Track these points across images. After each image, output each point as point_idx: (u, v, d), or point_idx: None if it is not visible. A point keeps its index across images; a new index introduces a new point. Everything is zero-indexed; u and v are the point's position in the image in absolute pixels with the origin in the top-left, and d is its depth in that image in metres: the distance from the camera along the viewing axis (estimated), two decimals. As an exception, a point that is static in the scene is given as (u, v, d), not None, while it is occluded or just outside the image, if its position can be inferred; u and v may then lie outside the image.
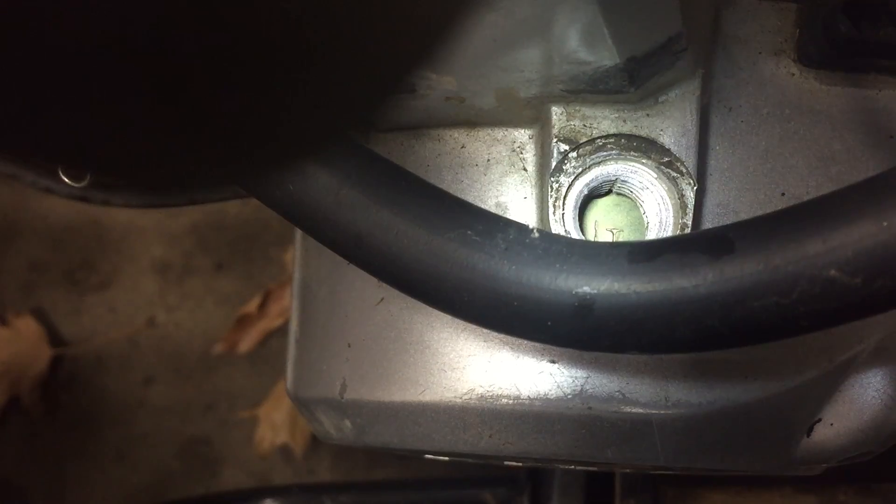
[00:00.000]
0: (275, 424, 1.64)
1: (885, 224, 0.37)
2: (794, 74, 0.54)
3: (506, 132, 0.54)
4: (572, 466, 0.72)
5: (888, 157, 0.54)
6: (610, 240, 0.53)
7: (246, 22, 0.21)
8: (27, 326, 1.72)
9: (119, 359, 1.73)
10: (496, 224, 0.44)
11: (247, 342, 1.71)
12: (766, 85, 0.54)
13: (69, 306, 1.76)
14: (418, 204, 0.45)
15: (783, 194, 0.53)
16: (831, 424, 0.54)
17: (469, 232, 0.43)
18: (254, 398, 1.69)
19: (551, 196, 0.50)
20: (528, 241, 0.43)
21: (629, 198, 0.53)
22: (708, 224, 0.53)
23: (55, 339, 1.73)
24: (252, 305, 1.71)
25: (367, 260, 0.46)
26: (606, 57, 0.45)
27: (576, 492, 0.88)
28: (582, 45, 0.44)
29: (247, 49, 0.21)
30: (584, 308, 0.41)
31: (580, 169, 0.50)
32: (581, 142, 0.50)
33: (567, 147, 0.50)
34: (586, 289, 0.41)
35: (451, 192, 0.53)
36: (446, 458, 0.65)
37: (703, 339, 0.41)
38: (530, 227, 0.43)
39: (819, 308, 0.39)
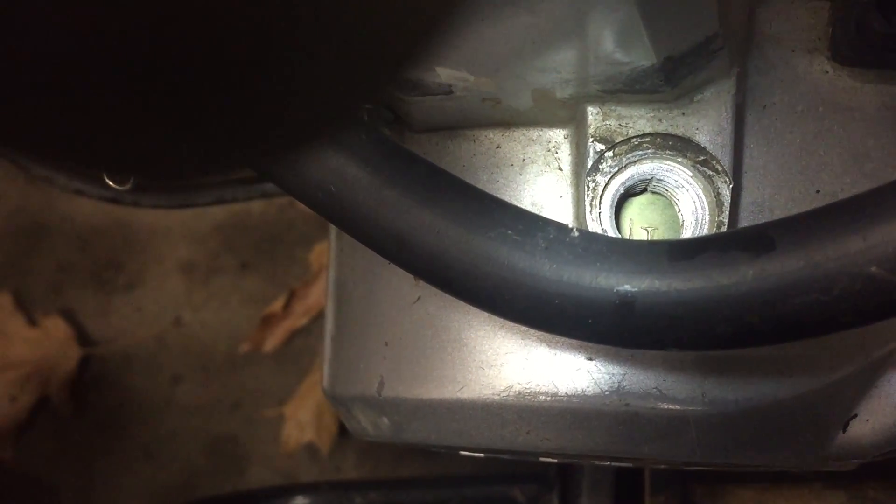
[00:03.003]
0: (300, 422, 1.66)
1: (925, 220, 0.38)
2: (827, 72, 0.54)
3: (541, 132, 0.55)
4: (608, 462, 0.72)
5: (923, 153, 0.54)
6: (645, 238, 0.54)
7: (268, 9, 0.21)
8: (56, 327, 1.74)
9: (146, 358, 1.75)
10: (536, 223, 0.44)
11: (272, 341, 1.72)
12: (799, 83, 0.54)
13: (97, 306, 1.78)
14: (458, 204, 0.45)
15: (818, 192, 0.53)
16: (867, 420, 0.55)
17: (509, 231, 0.44)
18: (279, 396, 1.70)
19: (588, 195, 0.50)
20: (567, 239, 0.43)
21: (664, 196, 0.53)
22: (744, 222, 0.53)
23: (83, 339, 1.75)
24: (277, 305, 1.73)
25: (408, 260, 0.46)
26: (643, 57, 0.46)
27: (606, 488, 0.89)
28: (619, 45, 0.45)
29: (276, 41, 0.22)
30: (625, 306, 0.41)
31: (616, 168, 0.51)
32: (617, 141, 0.51)
33: (603, 147, 0.51)
34: (627, 287, 0.41)
35: (487, 191, 0.54)
36: (481, 455, 0.66)
37: (744, 336, 0.41)
38: (569, 226, 0.44)
39: (859, 305, 0.39)
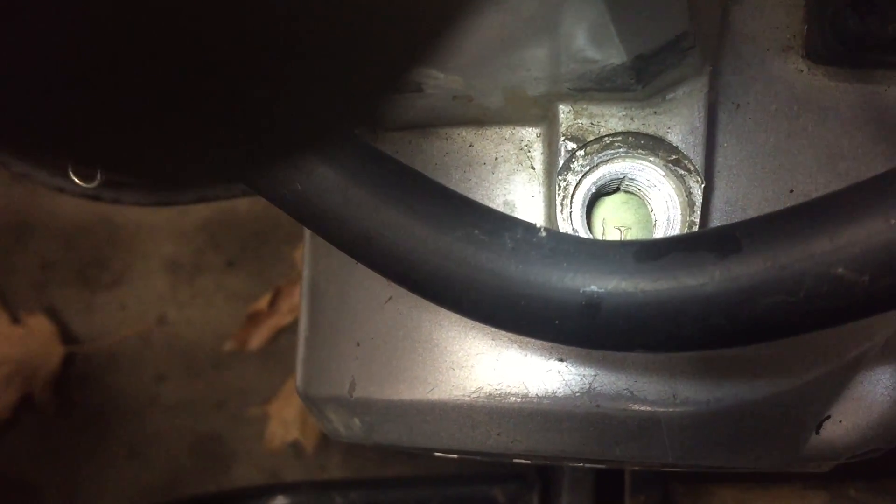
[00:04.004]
0: (285, 421, 1.65)
1: (892, 222, 0.37)
2: (802, 71, 0.54)
3: (513, 130, 0.54)
4: (581, 464, 0.72)
5: (897, 152, 0.54)
6: (618, 238, 0.53)
7: (250, 17, 0.21)
8: (39, 325, 1.73)
9: (131, 357, 1.74)
10: (503, 223, 0.44)
11: (257, 339, 1.72)
12: (774, 82, 0.54)
13: (81, 304, 1.77)
14: (426, 203, 0.45)
15: (791, 191, 0.53)
16: (840, 421, 0.54)
17: (476, 231, 0.43)
18: (264, 395, 1.69)
19: (559, 194, 0.50)
20: (535, 239, 0.43)
21: (637, 196, 0.53)
22: (716, 222, 0.53)
23: (67, 337, 1.74)
24: (262, 302, 1.72)
25: (374, 259, 0.46)
26: (614, 55, 0.45)
27: (586, 488, 0.89)
28: (589, 43, 0.44)
29: (251, 44, 0.21)
30: (592, 307, 0.41)
31: (588, 167, 0.50)
32: (588, 140, 0.50)
33: (574, 145, 0.50)
34: (593, 287, 0.41)
35: (458, 190, 0.53)
36: (455, 456, 0.65)
37: (711, 338, 0.41)
38: (537, 225, 0.44)
39: (827, 306, 0.39)
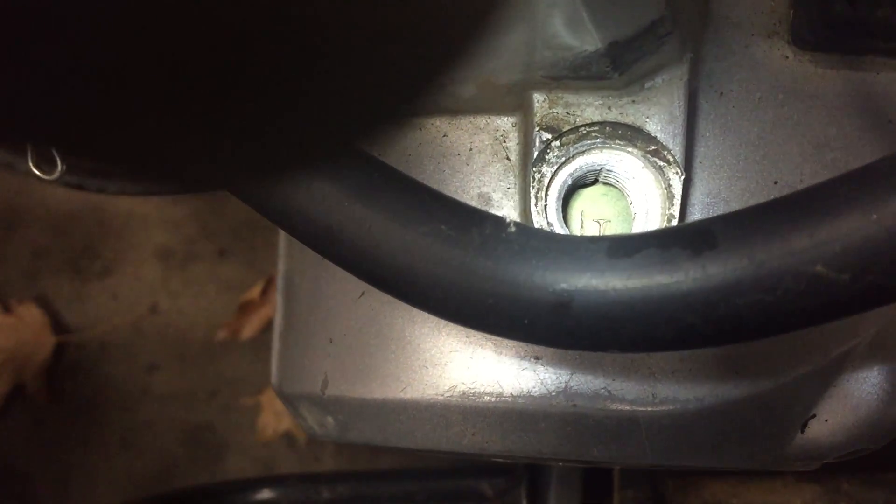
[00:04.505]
0: (278, 411, 1.64)
1: (874, 217, 0.36)
2: (787, 57, 0.52)
3: (488, 120, 0.52)
4: (559, 463, 0.70)
5: (886, 142, 0.52)
6: (597, 230, 0.51)
7: (254, 27, 0.20)
8: (30, 314, 1.71)
9: (122, 346, 1.73)
10: (471, 218, 0.42)
11: (249, 329, 1.70)
12: (758, 68, 0.52)
13: (72, 293, 1.75)
14: (391, 196, 0.43)
15: (776, 182, 0.51)
16: (826, 420, 0.53)
17: (443, 226, 0.42)
18: (257, 384, 1.68)
19: (533, 187, 0.48)
20: (503, 235, 0.41)
21: (616, 187, 0.51)
22: (696, 214, 0.51)
23: (58, 326, 1.73)
24: (254, 292, 1.70)
25: (340, 255, 0.44)
26: (588, 42, 0.43)
27: (574, 483, 0.87)
28: (562, 30, 0.43)
29: (248, 54, 0.21)
30: (562, 306, 0.39)
31: (563, 158, 0.48)
32: (564, 130, 0.48)
33: (549, 136, 0.48)
34: (563, 286, 0.39)
35: (432, 182, 0.51)
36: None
37: (686, 338, 0.39)
38: (507, 220, 0.42)
39: (805, 306, 0.37)
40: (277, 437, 1.65)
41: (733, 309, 0.37)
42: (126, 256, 1.77)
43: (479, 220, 0.42)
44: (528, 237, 0.41)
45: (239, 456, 1.67)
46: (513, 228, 0.41)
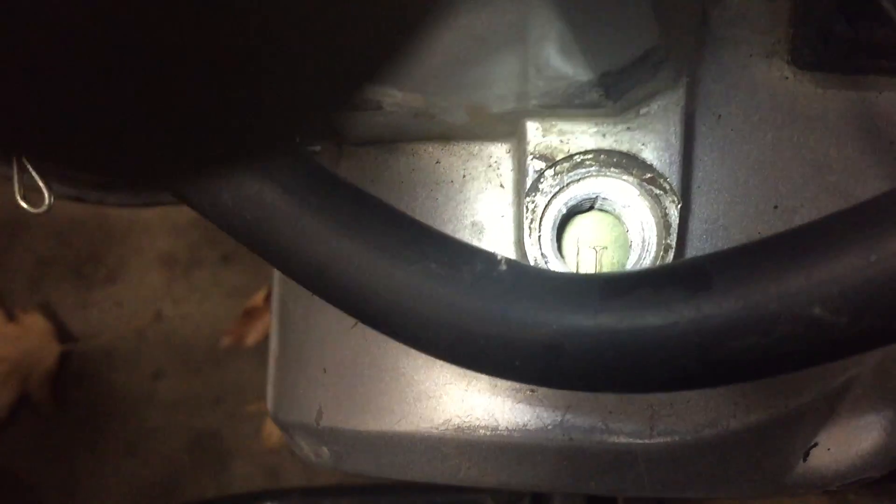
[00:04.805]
0: (283, 418, 1.63)
1: (872, 258, 0.34)
2: (787, 78, 0.51)
3: (482, 147, 0.51)
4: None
5: (889, 165, 0.51)
6: (593, 258, 0.50)
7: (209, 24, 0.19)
8: (35, 323, 1.71)
9: (127, 353, 1.73)
10: (462, 255, 0.41)
11: (254, 335, 1.70)
12: (757, 89, 0.51)
13: (76, 301, 1.75)
14: (381, 232, 0.42)
15: (776, 207, 0.50)
16: (828, 449, 0.52)
17: (433, 264, 0.41)
18: (262, 391, 1.67)
19: (527, 217, 0.47)
20: (494, 274, 0.40)
21: (612, 214, 0.50)
22: (695, 242, 0.50)
23: (63, 334, 1.73)
24: (258, 298, 1.70)
25: (329, 293, 0.43)
26: (580, 72, 0.42)
27: (578, 501, 0.86)
28: (554, 60, 0.42)
29: (205, 50, 0.20)
30: (554, 348, 0.38)
31: (557, 187, 0.47)
32: (558, 159, 0.47)
33: (543, 165, 0.47)
34: (556, 328, 0.38)
35: (425, 209, 0.50)
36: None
37: (681, 380, 0.38)
38: (498, 257, 0.41)
39: (802, 348, 0.36)
40: (283, 445, 1.65)
41: (729, 352, 0.36)
42: (130, 263, 1.77)
43: (469, 258, 0.41)
44: (519, 276, 0.40)
45: (244, 463, 1.67)
46: (504, 266, 0.40)
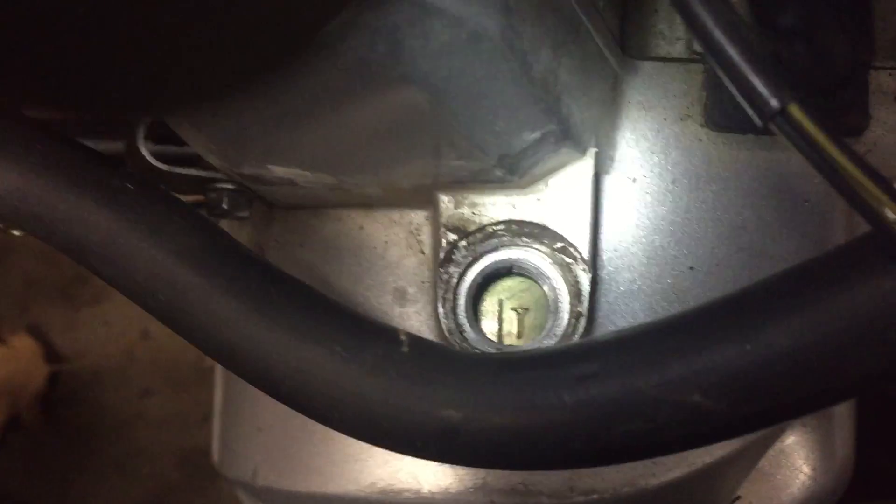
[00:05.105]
0: (269, 435, 1.65)
1: (748, 347, 0.36)
2: (701, 140, 0.52)
3: (402, 213, 0.52)
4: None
5: (803, 223, 0.51)
6: (514, 320, 0.51)
7: None
8: (24, 344, 1.73)
9: (115, 372, 1.74)
10: (366, 336, 0.42)
11: (239, 352, 1.71)
12: (671, 152, 0.52)
13: (64, 322, 1.77)
14: (289, 313, 0.43)
15: (691, 268, 0.51)
16: (751, 502, 0.53)
17: (338, 347, 0.42)
18: (249, 408, 1.69)
19: (440, 288, 0.48)
20: (395, 356, 0.41)
21: (531, 278, 0.51)
22: (611, 304, 0.51)
23: (52, 355, 1.74)
24: (243, 315, 1.71)
25: (241, 373, 0.44)
26: (477, 160, 0.43)
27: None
28: (448, 153, 0.43)
29: None
30: (450, 431, 0.39)
31: (470, 258, 0.49)
32: (471, 230, 0.48)
33: (455, 237, 0.48)
34: (451, 412, 0.39)
35: (350, 275, 0.52)
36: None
37: (572, 461, 0.39)
38: (401, 337, 0.42)
39: (686, 432, 0.37)
40: (269, 461, 1.66)
41: (616, 435, 0.37)
42: (116, 283, 1.78)
43: (373, 339, 0.42)
44: (419, 357, 0.41)
45: (233, 479, 1.68)
46: (405, 348, 0.41)
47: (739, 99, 0.35)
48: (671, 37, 0.52)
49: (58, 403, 1.73)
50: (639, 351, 0.38)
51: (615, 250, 0.51)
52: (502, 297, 0.52)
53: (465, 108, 0.38)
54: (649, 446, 0.38)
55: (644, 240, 0.51)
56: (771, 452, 0.52)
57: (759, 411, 0.36)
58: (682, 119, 0.52)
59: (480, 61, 0.36)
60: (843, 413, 0.54)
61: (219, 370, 0.65)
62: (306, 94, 0.39)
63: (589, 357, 0.39)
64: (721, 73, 0.35)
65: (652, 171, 0.51)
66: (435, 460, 0.42)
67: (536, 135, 0.43)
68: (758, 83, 0.34)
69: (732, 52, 0.34)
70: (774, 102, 0.34)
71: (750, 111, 0.35)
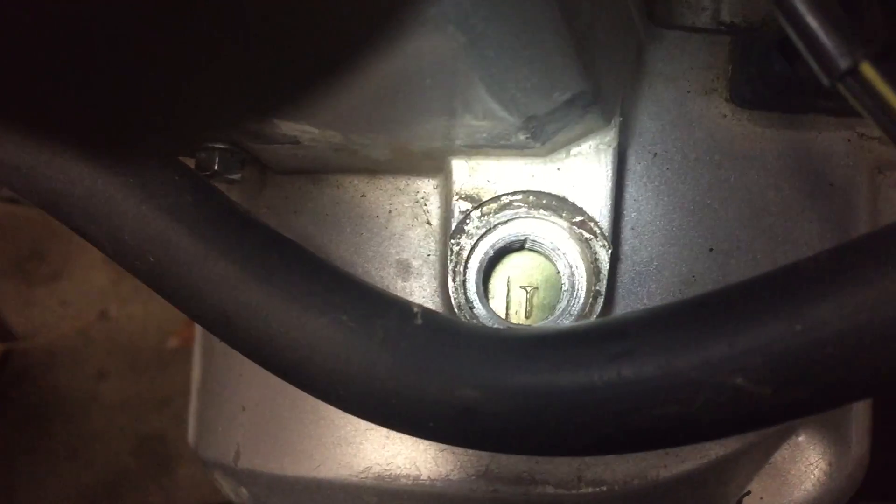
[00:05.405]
0: (230, 421, 1.61)
1: (797, 327, 0.33)
2: (725, 116, 0.49)
3: (409, 181, 0.49)
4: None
5: (826, 207, 0.49)
6: (523, 299, 0.48)
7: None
8: (-25, 321, 1.66)
9: (71, 353, 1.68)
10: (377, 306, 0.39)
11: (202, 336, 1.66)
12: (694, 127, 0.49)
13: (19, 299, 1.70)
14: (292, 280, 0.40)
15: (711, 250, 0.48)
16: (761, 498, 0.50)
17: (345, 317, 0.38)
18: (209, 394, 1.65)
19: (451, 261, 0.45)
20: (409, 329, 0.38)
21: (543, 254, 0.48)
22: (627, 284, 0.48)
23: (4, 333, 1.68)
24: (207, 298, 1.66)
25: (236, 342, 0.41)
26: (506, 115, 0.40)
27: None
28: (480, 103, 0.39)
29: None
30: (468, 412, 0.36)
31: (484, 229, 0.45)
32: (485, 199, 0.45)
33: (469, 206, 0.45)
34: (469, 391, 0.36)
35: (349, 246, 0.48)
36: None
37: (600, 446, 0.36)
38: (414, 309, 0.39)
39: (724, 418, 0.34)
40: (230, 448, 1.62)
41: (648, 419, 0.35)
42: (75, 260, 1.72)
43: (383, 310, 0.39)
44: (434, 331, 0.38)
45: (190, 467, 1.64)
46: (419, 321, 0.38)
47: (806, 55, 0.33)
48: (697, 6, 0.50)
49: (9, 384, 1.67)
50: (677, 329, 0.35)
51: (633, 227, 0.48)
52: (510, 275, 0.49)
53: (499, 58, 0.35)
54: (683, 432, 0.35)
55: (663, 218, 0.48)
56: (785, 447, 0.50)
57: (804, 397, 0.34)
58: (706, 93, 0.49)
59: (523, 4, 0.33)
60: (859, 410, 0.52)
61: (198, 344, 0.61)
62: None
63: (622, 334, 0.36)
64: (787, 27, 0.32)
65: (674, 146, 0.49)
66: (446, 443, 0.39)
67: (567, 96, 0.40)
68: (826, 39, 0.32)
69: (800, 3, 0.32)
70: (845, 60, 0.32)
71: (816, 69, 0.33)
